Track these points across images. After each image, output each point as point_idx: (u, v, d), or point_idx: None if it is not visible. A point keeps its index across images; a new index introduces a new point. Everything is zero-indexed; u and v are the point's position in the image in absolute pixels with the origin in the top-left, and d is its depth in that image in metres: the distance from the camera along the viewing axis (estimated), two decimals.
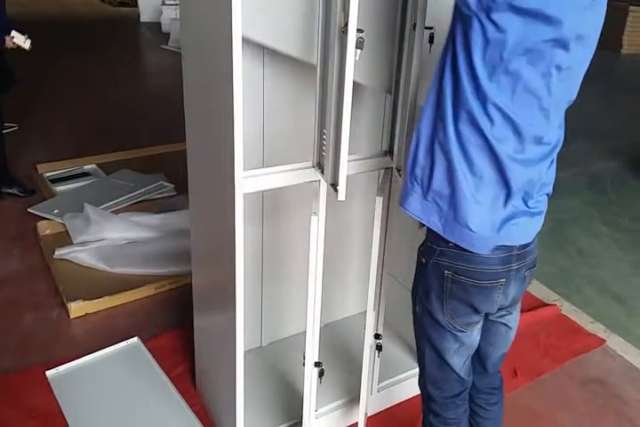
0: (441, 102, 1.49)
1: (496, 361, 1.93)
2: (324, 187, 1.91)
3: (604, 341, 3.04)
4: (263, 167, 1.82)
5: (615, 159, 5.63)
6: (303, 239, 1.98)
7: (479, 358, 1.90)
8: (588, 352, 2.96)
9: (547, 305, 3.30)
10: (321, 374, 2.15)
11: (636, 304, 3.40)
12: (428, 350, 1.81)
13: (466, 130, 1.47)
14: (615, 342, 3.04)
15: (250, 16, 1.57)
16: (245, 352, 1.98)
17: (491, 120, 1.44)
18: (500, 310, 1.75)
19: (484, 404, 1.99)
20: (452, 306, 1.66)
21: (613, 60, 10.20)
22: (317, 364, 2.11)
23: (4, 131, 4.23)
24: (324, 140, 1.77)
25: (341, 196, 1.74)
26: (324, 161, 1.78)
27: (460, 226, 1.55)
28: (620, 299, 3.44)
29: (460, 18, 1.41)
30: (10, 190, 4.17)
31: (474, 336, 1.77)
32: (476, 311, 1.68)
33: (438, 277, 1.65)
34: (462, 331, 1.72)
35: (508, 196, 1.56)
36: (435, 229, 1.59)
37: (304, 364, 2.07)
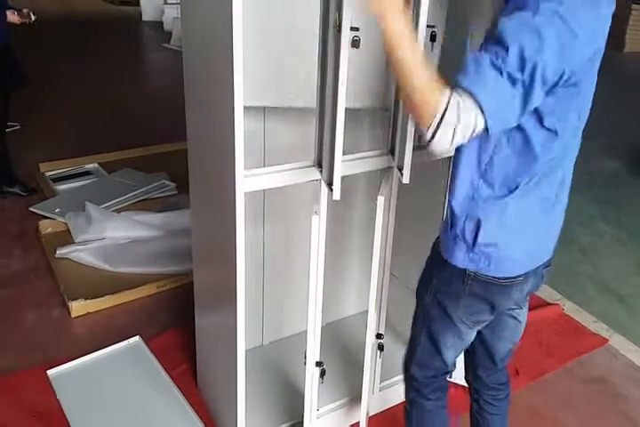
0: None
1: (504, 356, 1.93)
2: (324, 186, 1.91)
3: (606, 340, 3.03)
4: (264, 166, 1.82)
5: (617, 158, 5.62)
6: (304, 238, 1.97)
7: (488, 354, 1.90)
8: (590, 352, 2.95)
9: (549, 304, 3.29)
10: (322, 373, 2.15)
11: (639, 303, 3.39)
12: (424, 339, 1.81)
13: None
14: (618, 342, 3.03)
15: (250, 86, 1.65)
16: (246, 351, 1.97)
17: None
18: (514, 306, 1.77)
19: (492, 400, 2.00)
20: (469, 302, 1.66)
21: (616, 58, 10.18)
22: (319, 363, 2.10)
23: (7, 130, 4.23)
24: (322, 139, 1.77)
25: (336, 195, 1.73)
26: (323, 160, 1.78)
27: (505, 260, 1.59)
28: (623, 298, 3.43)
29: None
30: (11, 189, 4.17)
31: (474, 332, 1.78)
32: (492, 309, 1.67)
33: (459, 274, 1.64)
34: (470, 328, 1.72)
35: None
36: (484, 271, 1.60)
37: (305, 363, 2.07)
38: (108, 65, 7.56)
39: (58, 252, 3.41)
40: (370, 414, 2.37)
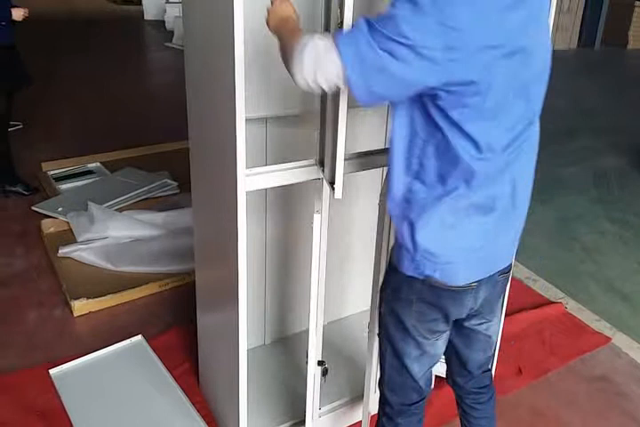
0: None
1: (480, 364, 1.88)
2: (326, 185, 1.90)
3: (609, 339, 3.02)
4: (266, 165, 1.82)
5: (621, 156, 5.61)
6: (306, 237, 1.97)
7: (461, 363, 1.87)
8: (593, 350, 2.94)
9: (552, 303, 3.28)
10: (324, 372, 2.15)
11: None
12: (388, 354, 1.76)
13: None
14: (621, 340, 3.02)
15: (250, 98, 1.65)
16: (248, 350, 1.97)
17: None
18: (474, 317, 1.71)
19: (474, 404, 1.95)
20: (421, 309, 1.61)
21: (619, 55, 10.17)
22: (321, 362, 2.10)
23: (10, 129, 4.23)
24: (325, 138, 1.77)
25: (338, 194, 1.73)
26: (325, 159, 1.78)
27: (449, 268, 1.54)
28: (626, 296, 3.42)
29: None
30: (14, 189, 4.17)
31: (438, 346, 1.72)
32: (446, 317, 1.63)
33: (409, 281, 1.59)
34: (426, 338, 1.67)
35: None
36: (433, 279, 1.55)
37: (307, 362, 2.06)
38: (110, 64, 7.57)
39: (60, 251, 3.41)
40: (372, 414, 2.37)
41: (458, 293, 1.57)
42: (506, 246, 1.63)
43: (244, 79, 1.58)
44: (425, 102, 1.38)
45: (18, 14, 3.69)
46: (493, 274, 1.62)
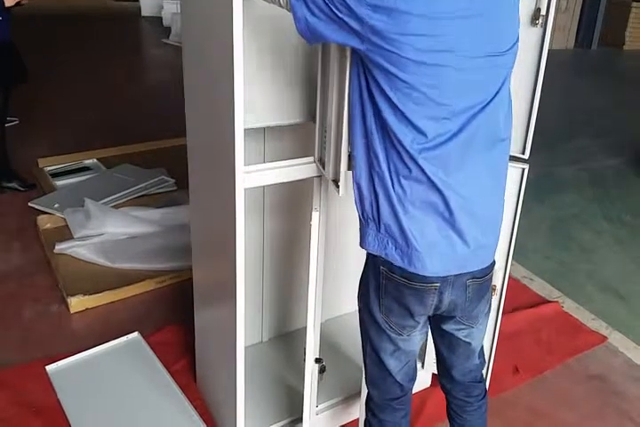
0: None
1: (465, 372, 1.86)
2: (325, 182, 1.90)
3: (605, 338, 3.03)
4: (264, 162, 1.81)
5: (618, 155, 5.62)
6: (304, 235, 1.97)
7: (445, 367, 1.86)
8: (589, 349, 2.95)
9: (548, 302, 3.29)
10: (322, 370, 2.14)
11: (638, 301, 3.39)
12: (368, 348, 1.79)
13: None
14: (617, 340, 3.03)
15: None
16: (246, 348, 1.97)
17: None
18: (449, 320, 1.69)
19: (460, 411, 1.93)
20: (387, 303, 1.63)
21: (616, 56, 10.18)
22: (318, 360, 2.10)
23: (6, 125, 4.22)
24: (325, 135, 1.76)
25: (342, 191, 1.73)
26: (326, 157, 1.78)
27: (410, 252, 1.53)
28: (622, 296, 3.43)
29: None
30: (10, 184, 4.16)
31: (412, 343, 1.73)
32: (410, 314, 1.62)
33: (375, 273, 1.63)
34: (399, 334, 1.67)
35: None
36: (395, 262, 1.55)
37: (305, 360, 2.06)
38: (107, 60, 7.55)
39: (57, 247, 3.40)
40: None
41: (418, 290, 1.57)
42: (471, 252, 1.56)
43: (242, 76, 1.58)
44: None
45: (10, 0, 3.64)
46: (460, 275, 1.58)
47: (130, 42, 9.18)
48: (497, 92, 1.46)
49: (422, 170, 1.44)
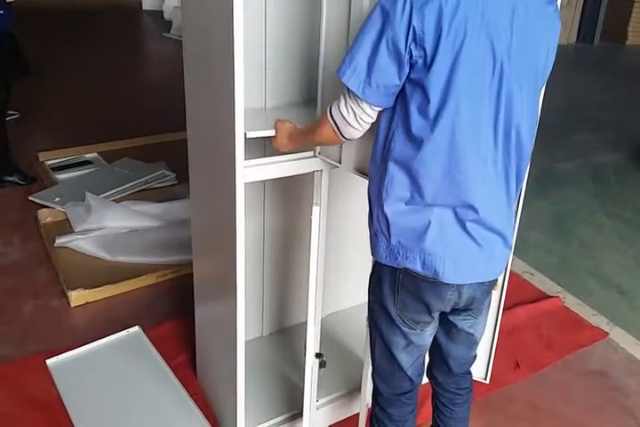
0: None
1: (462, 363, 1.86)
2: (325, 177, 1.90)
3: (606, 333, 3.02)
4: (265, 157, 1.81)
5: (619, 151, 5.61)
6: (305, 229, 1.97)
7: (442, 356, 1.85)
8: (590, 345, 2.94)
9: (549, 297, 3.28)
10: (322, 364, 2.14)
11: (639, 297, 3.38)
12: (378, 343, 1.77)
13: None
14: (618, 335, 3.03)
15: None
16: (246, 342, 1.97)
17: None
18: (459, 311, 1.69)
19: (449, 403, 1.93)
20: (402, 298, 1.62)
21: (618, 51, 10.15)
22: (318, 355, 2.10)
23: (7, 118, 4.21)
24: None
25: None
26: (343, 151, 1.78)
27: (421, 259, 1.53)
28: (623, 291, 3.43)
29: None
30: (10, 178, 4.15)
31: (425, 338, 1.71)
32: (428, 310, 1.62)
33: (391, 270, 1.60)
34: (412, 328, 1.66)
35: None
36: (413, 269, 1.54)
37: (305, 354, 2.06)
38: (107, 54, 7.54)
39: (57, 241, 3.40)
40: (369, 406, 2.37)
41: (438, 286, 1.56)
42: (484, 262, 1.57)
43: (242, 69, 1.57)
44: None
45: None
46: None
47: (131, 36, 9.16)
48: None
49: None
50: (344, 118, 1.50)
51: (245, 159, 1.70)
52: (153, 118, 5.34)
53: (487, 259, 1.56)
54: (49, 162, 4.46)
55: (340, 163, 1.80)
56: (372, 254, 1.64)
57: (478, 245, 1.51)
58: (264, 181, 2.28)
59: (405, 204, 1.50)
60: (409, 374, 1.78)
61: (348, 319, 2.78)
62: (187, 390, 2.45)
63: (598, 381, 2.73)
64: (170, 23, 9.29)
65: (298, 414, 2.24)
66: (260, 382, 2.40)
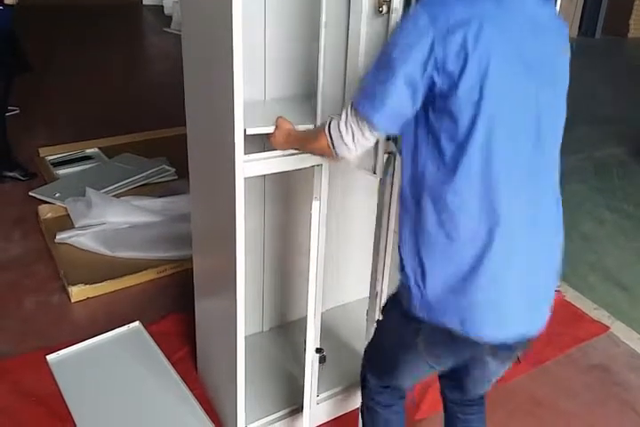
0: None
1: (478, 392, 1.80)
2: (325, 171, 1.89)
3: (608, 328, 3.02)
4: (264, 151, 1.80)
5: (620, 145, 5.59)
6: (305, 224, 1.96)
7: (459, 388, 1.79)
8: (591, 339, 2.94)
9: None
10: (322, 360, 2.14)
11: None
12: (383, 352, 1.73)
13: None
14: (619, 329, 3.02)
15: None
16: (246, 337, 1.97)
17: None
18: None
19: (460, 413, 1.87)
20: (430, 346, 1.54)
21: (620, 44, 10.11)
22: (318, 350, 2.10)
23: (7, 114, 4.20)
24: None
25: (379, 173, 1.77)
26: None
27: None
28: (625, 286, 3.42)
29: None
30: (11, 174, 4.15)
31: (443, 367, 1.66)
32: (455, 356, 1.56)
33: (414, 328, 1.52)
34: (431, 366, 1.61)
35: None
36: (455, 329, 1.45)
37: (305, 349, 2.06)
38: (108, 49, 7.51)
39: (57, 237, 3.39)
40: None
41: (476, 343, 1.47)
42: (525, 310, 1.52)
43: (242, 64, 1.56)
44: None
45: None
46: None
47: (131, 31, 9.13)
48: None
49: None
50: (341, 136, 1.47)
51: (245, 154, 1.69)
52: (153, 113, 5.33)
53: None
54: (49, 157, 4.45)
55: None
56: (403, 302, 1.53)
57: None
58: (264, 175, 2.27)
59: (443, 246, 1.42)
60: (408, 383, 1.77)
61: (348, 314, 2.78)
62: (187, 386, 2.45)
63: (599, 375, 2.73)
64: (170, 18, 9.25)
65: (298, 409, 2.24)
66: (260, 377, 2.40)
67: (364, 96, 1.41)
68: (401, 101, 1.37)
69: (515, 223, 1.40)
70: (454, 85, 1.32)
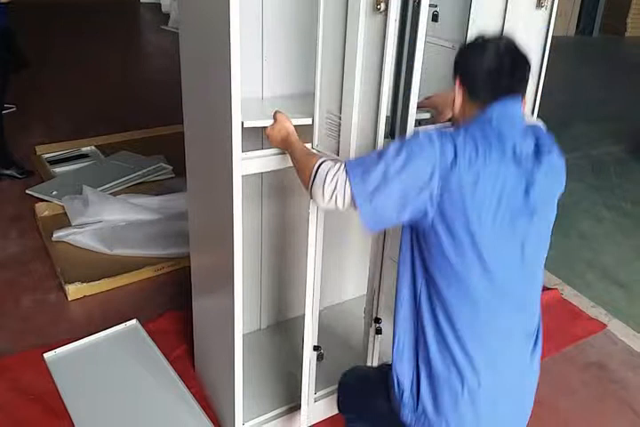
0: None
1: None
2: None
3: (605, 325, 3.02)
4: (262, 149, 1.80)
5: (618, 143, 5.59)
6: (303, 222, 1.96)
7: None
8: (588, 337, 2.95)
9: (547, 289, 3.28)
10: (320, 357, 2.14)
11: (638, 289, 3.38)
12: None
13: None
14: (616, 327, 3.03)
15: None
16: (244, 335, 1.97)
17: None
18: None
19: None
20: None
21: (617, 43, 10.11)
22: (316, 347, 2.09)
23: (3, 112, 4.19)
24: (330, 121, 1.74)
25: None
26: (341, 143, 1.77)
27: None
28: (622, 283, 3.42)
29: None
30: (8, 172, 4.14)
31: None
32: None
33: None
34: None
35: None
36: None
37: (303, 347, 2.06)
38: (105, 47, 7.49)
39: (54, 235, 3.39)
40: None
41: None
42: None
43: (239, 61, 1.56)
44: None
45: None
46: None
47: (128, 28, 9.10)
48: None
49: None
50: (323, 183, 1.47)
51: (243, 151, 1.69)
52: (150, 111, 5.32)
53: None
54: (46, 155, 4.45)
55: (338, 155, 1.79)
56: (396, 409, 1.56)
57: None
58: (261, 173, 2.26)
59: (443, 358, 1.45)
60: None
61: (346, 312, 2.78)
62: (185, 384, 2.45)
63: (596, 373, 2.73)
64: (167, 16, 9.23)
65: (296, 407, 2.24)
66: (258, 375, 2.40)
67: (361, 183, 1.41)
68: (389, 213, 1.42)
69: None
70: (445, 216, 1.37)
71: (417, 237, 1.46)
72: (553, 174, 1.48)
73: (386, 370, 1.62)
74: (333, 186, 1.45)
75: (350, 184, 1.42)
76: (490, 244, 1.38)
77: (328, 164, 1.49)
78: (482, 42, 1.48)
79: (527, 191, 1.41)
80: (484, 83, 1.45)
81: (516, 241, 1.44)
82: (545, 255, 1.57)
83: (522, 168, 1.40)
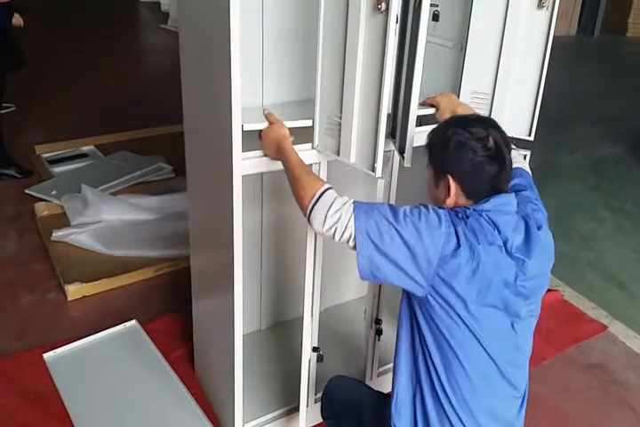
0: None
1: None
2: (324, 169, 1.88)
3: (606, 327, 3.02)
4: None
5: (619, 143, 5.58)
6: (302, 223, 1.95)
7: None
8: (589, 338, 2.94)
9: (549, 291, 3.26)
10: (320, 358, 2.13)
11: (639, 290, 3.37)
12: None
13: None
14: (617, 329, 3.02)
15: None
16: (244, 336, 1.96)
17: None
18: None
19: None
20: None
21: (618, 43, 10.10)
22: (316, 349, 2.09)
23: (2, 111, 4.19)
24: (332, 121, 1.73)
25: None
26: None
27: None
28: (623, 285, 3.41)
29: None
30: (7, 171, 4.13)
31: None
32: None
33: None
34: None
35: None
36: None
37: (302, 348, 2.05)
38: (104, 46, 7.48)
39: (54, 235, 3.38)
40: None
41: None
42: None
43: (240, 61, 1.55)
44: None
45: (17, 21, 3.81)
46: None
47: (127, 27, 9.09)
48: None
49: None
50: (326, 211, 1.47)
51: (243, 151, 1.68)
52: (150, 111, 5.31)
53: None
54: (45, 155, 4.43)
55: (339, 155, 1.78)
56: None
57: None
58: (261, 173, 2.26)
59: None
60: None
61: (346, 313, 2.77)
62: (184, 384, 2.44)
63: (597, 374, 2.72)
64: (167, 15, 9.22)
65: (295, 408, 2.23)
66: (257, 376, 2.39)
67: (365, 238, 1.43)
68: (386, 278, 1.46)
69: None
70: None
71: (415, 302, 1.50)
72: (544, 253, 1.54)
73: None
74: (336, 218, 1.46)
75: (354, 227, 1.43)
76: (483, 323, 1.43)
77: (334, 193, 1.50)
78: (469, 138, 1.46)
79: (520, 280, 1.45)
80: (481, 187, 1.48)
81: (508, 320, 1.47)
82: (535, 322, 1.59)
83: (514, 259, 1.44)
